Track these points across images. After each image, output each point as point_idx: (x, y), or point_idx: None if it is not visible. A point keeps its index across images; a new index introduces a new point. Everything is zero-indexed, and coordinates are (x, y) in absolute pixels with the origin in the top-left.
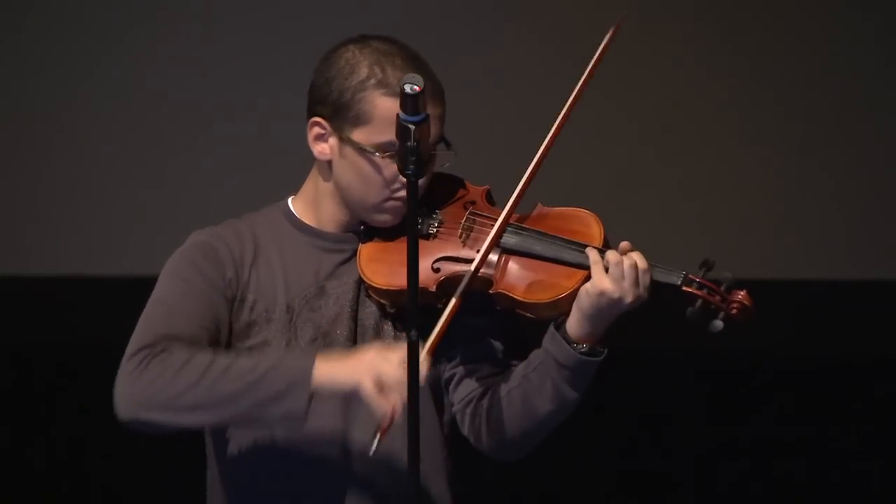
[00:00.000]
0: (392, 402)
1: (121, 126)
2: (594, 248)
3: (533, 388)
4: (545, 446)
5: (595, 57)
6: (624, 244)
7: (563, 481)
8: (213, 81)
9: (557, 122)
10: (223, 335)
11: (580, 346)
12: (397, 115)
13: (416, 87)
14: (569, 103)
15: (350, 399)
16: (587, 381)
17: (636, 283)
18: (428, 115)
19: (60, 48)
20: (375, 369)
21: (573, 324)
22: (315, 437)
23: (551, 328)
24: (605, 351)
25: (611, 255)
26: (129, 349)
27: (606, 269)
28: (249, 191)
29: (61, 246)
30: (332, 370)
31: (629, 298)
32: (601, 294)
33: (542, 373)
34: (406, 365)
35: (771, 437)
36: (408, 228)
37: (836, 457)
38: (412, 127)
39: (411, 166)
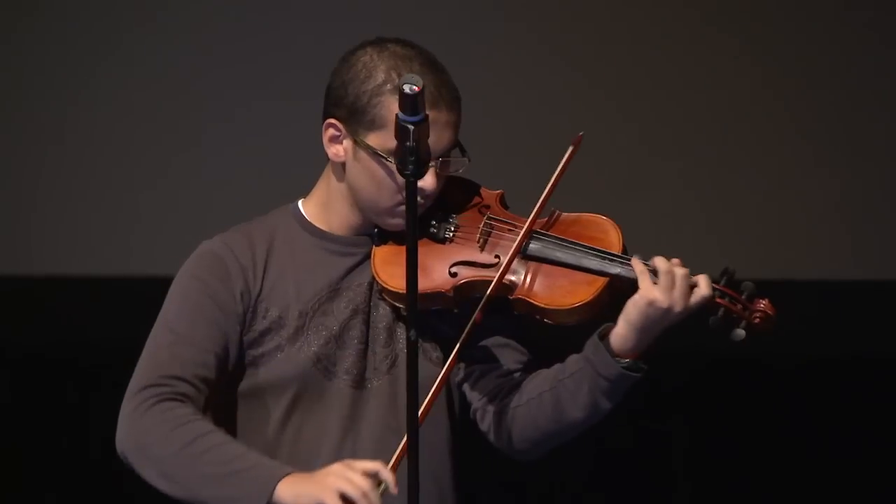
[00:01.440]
0: None
1: (122, 126)
2: (638, 258)
3: (567, 394)
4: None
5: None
6: (674, 260)
7: (563, 482)
8: (219, 81)
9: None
10: (232, 354)
11: (624, 360)
12: (396, 115)
13: (414, 87)
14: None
15: (352, 411)
16: (622, 394)
17: (686, 292)
18: (427, 116)
19: (61, 48)
20: (339, 486)
21: (619, 336)
22: (318, 448)
23: (595, 338)
24: (646, 367)
25: (660, 263)
26: (135, 383)
27: (654, 279)
28: (253, 192)
29: (61, 246)
30: (296, 490)
31: (679, 308)
32: (650, 304)
33: (578, 380)
34: (369, 474)
35: (771, 437)
36: (407, 229)
37: (837, 457)
38: (411, 127)
39: (410, 167)
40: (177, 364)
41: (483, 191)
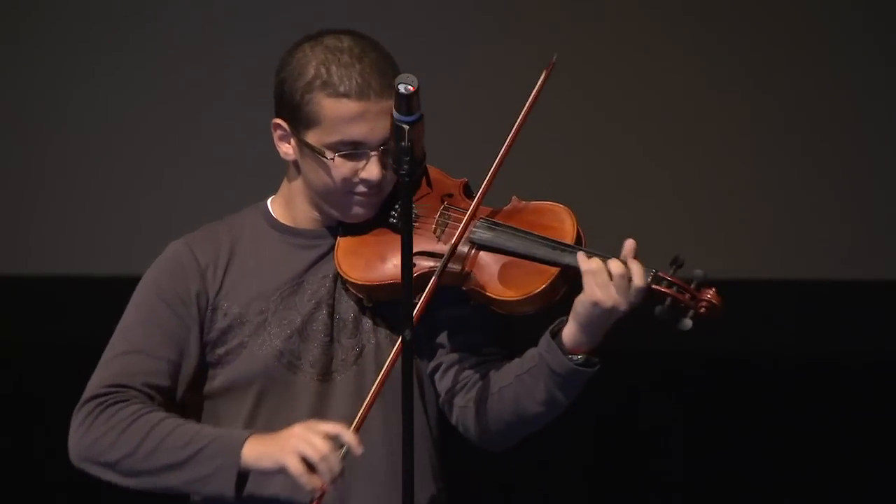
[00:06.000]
0: (320, 478)
1: (121, 126)
2: (586, 252)
3: (525, 389)
4: (529, 439)
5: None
6: (629, 244)
7: (545, 474)
8: (214, 82)
9: (520, 119)
10: (191, 357)
11: (576, 357)
12: (391, 114)
13: (409, 86)
14: (528, 105)
15: (319, 404)
16: (579, 388)
17: (626, 289)
18: (422, 115)
19: (60, 49)
20: (300, 448)
21: (569, 333)
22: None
23: (547, 335)
24: (598, 363)
25: (596, 263)
26: (85, 393)
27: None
28: (250, 191)
29: (61, 246)
30: (259, 452)
31: (623, 307)
32: (595, 304)
33: (535, 376)
34: (331, 437)
35: (770, 437)
36: (402, 230)
37: (836, 457)
38: (406, 127)
39: (405, 166)
40: (125, 374)
41: (446, 179)
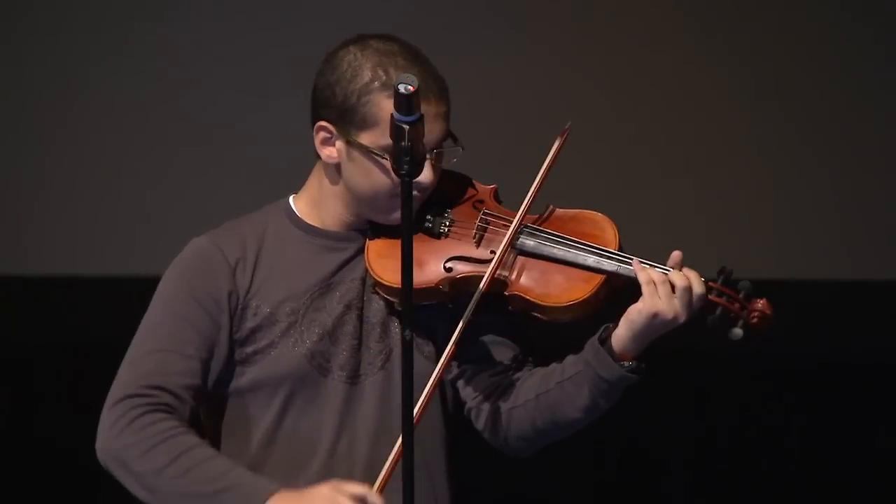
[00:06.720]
0: None
1: (122, 125)
2: (645, 264)
3: (566, 396)
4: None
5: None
6: (675, 256)
7: (560, 478)
8: (217, 81)
9: (536, 182)
10: (220, 356)
11: (627, 364)
12: (391, 114)
13: (409, 86)
14: (544, 169)
15: (347, 407)
16: (620, 394)
17: (689, 302)
18: (422, 115)
19: (62, 47)
20: None
21: (620, 340)
22: (313, 445)
23: (595, 342)
24: (645, 368)
25: (655, 275)
26: (116, 391)
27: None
28: (252, 190)
29: (61, 246)
30: None
31: (683, 318)
32: (655, 315)
33: (578, 383)
34: (357, 499)
35: (770, 437)
36: (402, 228)
37: (836, 457)
38: (406, 127)
39: (405, 166)
40: (160, 374)
41: (477, 185)
